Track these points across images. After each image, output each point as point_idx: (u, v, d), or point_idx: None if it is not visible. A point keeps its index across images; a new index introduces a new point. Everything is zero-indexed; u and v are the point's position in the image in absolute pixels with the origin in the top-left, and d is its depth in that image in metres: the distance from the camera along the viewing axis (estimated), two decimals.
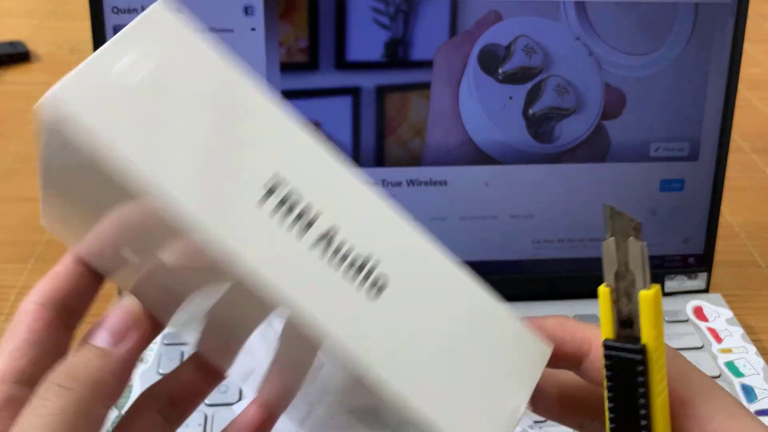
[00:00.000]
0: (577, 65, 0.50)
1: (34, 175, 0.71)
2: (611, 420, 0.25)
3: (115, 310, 0.27)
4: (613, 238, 0.25)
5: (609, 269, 0.25)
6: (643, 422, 0.25)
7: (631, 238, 0.25)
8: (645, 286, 0.25)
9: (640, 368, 0.24)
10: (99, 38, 0.46)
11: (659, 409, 0.25)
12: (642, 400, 0.25)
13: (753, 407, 0.46)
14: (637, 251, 0.25)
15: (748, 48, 0.53)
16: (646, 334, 0.24)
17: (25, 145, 0.72)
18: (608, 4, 0.49)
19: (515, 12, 0.49)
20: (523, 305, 0.52)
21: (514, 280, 0.53)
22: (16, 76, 0.85)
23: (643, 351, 0.24)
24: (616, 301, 0.25)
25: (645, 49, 0.50)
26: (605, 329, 0.25)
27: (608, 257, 0.25)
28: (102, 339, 0.26)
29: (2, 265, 0.58)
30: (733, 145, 0.53)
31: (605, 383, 0.26)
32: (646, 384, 0.25)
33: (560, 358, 0.28)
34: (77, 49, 0.91)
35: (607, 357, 0.25)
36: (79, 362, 0.25)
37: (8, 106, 0.80)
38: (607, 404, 0.26)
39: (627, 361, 0.25)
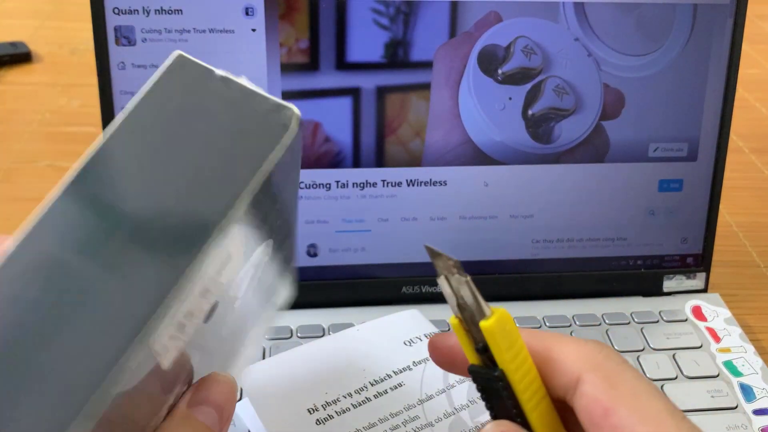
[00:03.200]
0: (577, 66, 0.50)
1: (34, 175, 0.71)
2: None
3: (220, 384, 0.26)
4: (443, 275, 0.26)
5: (451, 303, 0.26)
6: None
7: (455, 275, 0.26)
8: (484, 316, 0.25)
9: (505, 392, 0.26)
10: (100, 39, 0.47)
11: (539, 419, 0.26)
12: (518, 419, 0.26)
13: (751, 407, 0.46)
14: (463, 287, 0.25)
15: (747, 49, 0.53)
16: (500, 360, 0.25)
17: (25, 144, 0.73)
18: (607, 5, 0.49)
19: (515, 13, 0.49)
20: (523, 305, 0.52)
21: (514, 280, 0.53)
22: (17, 76, 0.86)
23: (501, 377, 0.25)
24: (468, 330, 0.26)
25: (644, 49, 0.50)
26: (468, 355, 0.27)
27: (445, 292, 0.26)
28: (209, 417, 0.25)
29: None
30: (731, 145, 0.53)
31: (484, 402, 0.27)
32: (515, 403, 0.26)
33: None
34: (78, 49, 0.91)
35: (475, 381, 0.27)
36: None
37: (9, 106, 0.80)
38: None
39: (491, 385, 0.26)
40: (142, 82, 0.42)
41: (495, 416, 0.27)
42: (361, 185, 0.50)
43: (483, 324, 0.25)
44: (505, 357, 0.25)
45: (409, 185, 0.51)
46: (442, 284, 0.26)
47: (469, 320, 0.26)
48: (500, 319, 0.25)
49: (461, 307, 0.26)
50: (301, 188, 0.50)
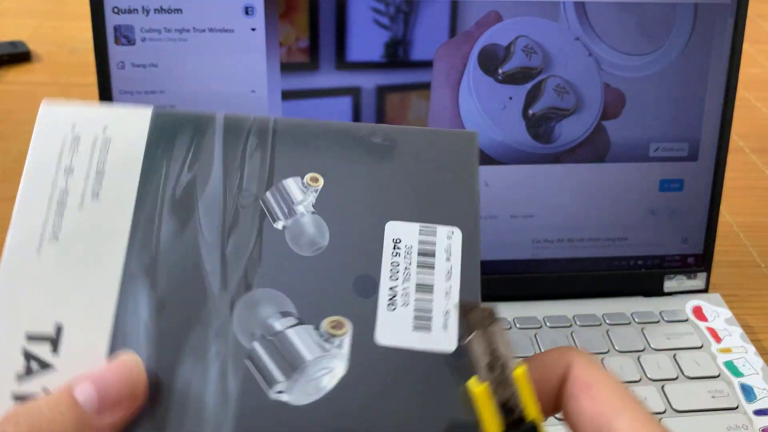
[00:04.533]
0: (577, 65, 0.50)
1: None
2: None
3: (115, 364, 0.23)
4: (475, 332, 0.25)
5: (481, 364, 0.25)
6: None
7: (495, 326, 0.25)
8: (515, 365, 0.25)
9: None
10: (99, 38, 0.47)
11: None
12: None
13: (752, 407, 0.46)
14: (503, 335, 0.25)
15: (747, 48, 0.53)
16: (531, 409, 0.25)
17: (25, 144, 0.72)
18: (608, 4, 0.49)
19: (515, 12, 0.49)
20: (523, 305, 0.52)
21: (514, 280, 0.53)
22: (16, 76, 0.86)
23: (535, 428, 0.25)
24: (494, 393, 0.25)
25: (645, 49, 0.50)
26: (491, 427, 0.25)
27: (478, 353, 0.25)
28: (86, 395, 0.22)
29: None
30: (732, 145, 0.53)
31: None
32: None
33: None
34: (78, 49, 0.91)
35: None
36: (50, 413, 0.22)
37: (9, 106, 0.80)
38: None
39: None
40: (141, 81, 0.42)
41: None
42: None
43: (520, 372, 0.25)
44: (534, 407, 0.25)
45: None
46: (475, 345, 0.25)
47: (497, 380, 0.25)
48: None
49: (489, 368, 0.25)
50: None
